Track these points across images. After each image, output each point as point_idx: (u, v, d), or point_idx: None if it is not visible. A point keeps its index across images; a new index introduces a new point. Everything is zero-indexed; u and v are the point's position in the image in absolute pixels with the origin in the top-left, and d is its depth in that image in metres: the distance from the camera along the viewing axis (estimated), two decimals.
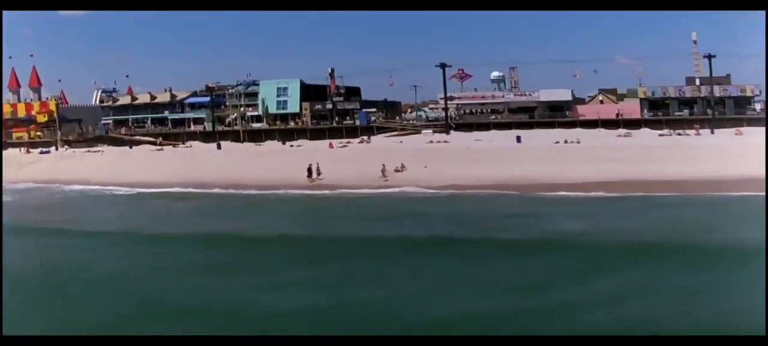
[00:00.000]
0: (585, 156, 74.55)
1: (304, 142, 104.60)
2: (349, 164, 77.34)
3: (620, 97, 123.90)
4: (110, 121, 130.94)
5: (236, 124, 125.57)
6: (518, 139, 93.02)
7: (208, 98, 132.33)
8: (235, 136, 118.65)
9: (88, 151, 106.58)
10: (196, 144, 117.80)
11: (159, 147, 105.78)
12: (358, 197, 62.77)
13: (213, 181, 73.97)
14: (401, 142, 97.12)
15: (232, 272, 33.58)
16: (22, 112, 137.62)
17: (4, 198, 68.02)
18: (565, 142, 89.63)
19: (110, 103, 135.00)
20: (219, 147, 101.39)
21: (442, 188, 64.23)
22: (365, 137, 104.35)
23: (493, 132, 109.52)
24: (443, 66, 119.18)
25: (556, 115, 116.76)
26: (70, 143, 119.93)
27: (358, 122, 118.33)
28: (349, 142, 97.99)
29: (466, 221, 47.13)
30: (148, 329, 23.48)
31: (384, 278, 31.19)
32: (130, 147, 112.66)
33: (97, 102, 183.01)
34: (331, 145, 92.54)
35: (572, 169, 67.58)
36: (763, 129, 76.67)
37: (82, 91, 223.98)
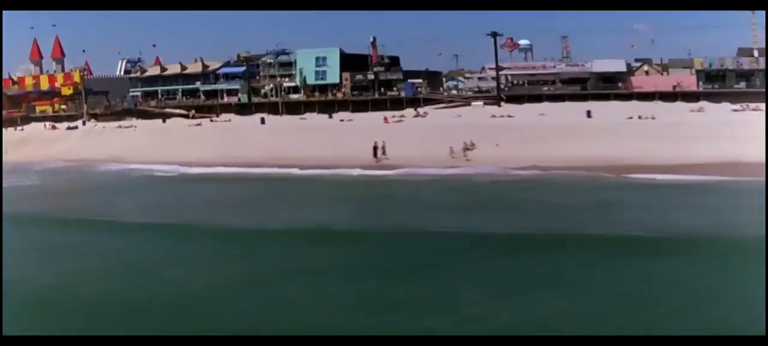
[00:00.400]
0: (669, 134, 66.52)
1: (354, 116, 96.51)
2: (411, 142, 69.61)
3: (664, 68, 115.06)
4: (138, 94, 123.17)
5: (272, 96, 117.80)
6: (588, 113, 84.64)
7: (242, 68, 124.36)
8: (273, 109, 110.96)
9: (119, 126, 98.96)
10: (234, 117, 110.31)
11: (197, 122, 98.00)
12: (431, 180, 55.24)
13: (260, 159, 66.60)
14: (459, 116, 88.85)
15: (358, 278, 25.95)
16: (45, 84, 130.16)
17: (29, 180, 60.76)
18: (639, 117, 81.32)
19: (138, 74, 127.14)
20: (263, 122, 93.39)
21: (524, 169, 56.67)
22: (420, 110, 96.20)
23: (547, 104, 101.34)
24: (495, 34, 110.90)
25: (609, 86, 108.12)
26: (96, 117, 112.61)
27: (402, 93, 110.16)
28: (402, 117, 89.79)
29: (566, 210, 39.40)
30: None
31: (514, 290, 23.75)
32: (164, 121, 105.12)
33: (122, 73, 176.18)
34: (386, 120, 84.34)
35: (663, 148, 59.92)
36: None
37: (106, 62, 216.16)
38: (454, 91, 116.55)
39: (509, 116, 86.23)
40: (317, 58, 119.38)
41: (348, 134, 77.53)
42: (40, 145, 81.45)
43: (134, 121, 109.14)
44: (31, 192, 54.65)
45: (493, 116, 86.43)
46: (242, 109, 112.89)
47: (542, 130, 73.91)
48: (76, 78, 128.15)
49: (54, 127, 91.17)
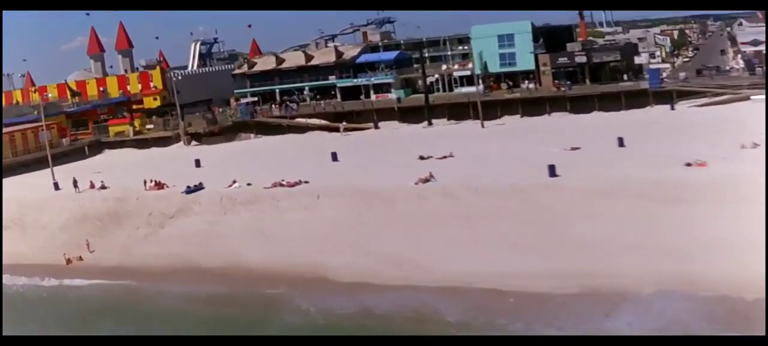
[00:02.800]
0: None
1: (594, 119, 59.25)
2: None
3: None
4: (249, 97, 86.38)
5: (436, 89, 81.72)
6: None
7: (393, 54, 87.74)
8: (458, 111, 74.73)
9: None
10: (401, 127, 74.39)
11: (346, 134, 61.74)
12: None
13: None
14: None
15: None
16: (114, 90, 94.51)
17: None
18: None
19: (244, 69, 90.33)
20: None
21: None
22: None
23: None
24: None
25: None
26: (199, 138, 76.66)
27: (647, 84, 72.79)
28: None
29: None
30: None
31: None
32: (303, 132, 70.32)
33: (195, 59, 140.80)
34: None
35: None
36: None
37: (170, 47, 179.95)
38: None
39: None
40: (500, 37, 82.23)
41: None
42: (140, 229, 45.61)
43: (252, 137, 74.20)
44: None
45: None
46: (407, 114, 76.38)
47: None
48: (157, 80, 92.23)
49: (159, 186, 52.83)
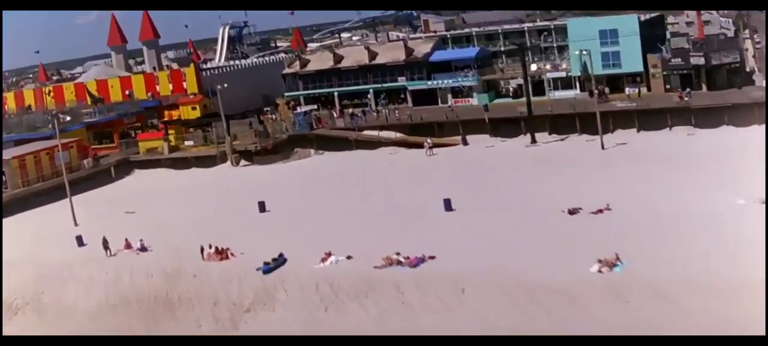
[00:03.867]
0: None
1: None
2: None
3: None
4: (303, 103, 72.46)
5: (519, 94, 68.34)
6: None
7: (473, 52, 73.96)
8: (550, 122, 61.77)
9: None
10: (498, 144, 61.26)
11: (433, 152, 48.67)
12: None
13: None
14: None
15: None
16: (141, 91, 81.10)
17: None
18: None
19: (295, 67, 76.38)
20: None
21: None
22: None
23: None
24: None
25: None
26: (250, 157, 63.44)
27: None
28: None
29: None
30: None
31: None
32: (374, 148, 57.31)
33: (223, 45, 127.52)
34: None
35: None
36: None
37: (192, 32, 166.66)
38: None
39: None
40: (602, 33, 68.59)
41: None
42: (213, 328, 32.51)
43: (312, 154, 61.34)
44: None
45: None
46: (498, 127, 63.05)
47: None
48: (191, 82, 78.76)
49: (221, 255, 38.10)
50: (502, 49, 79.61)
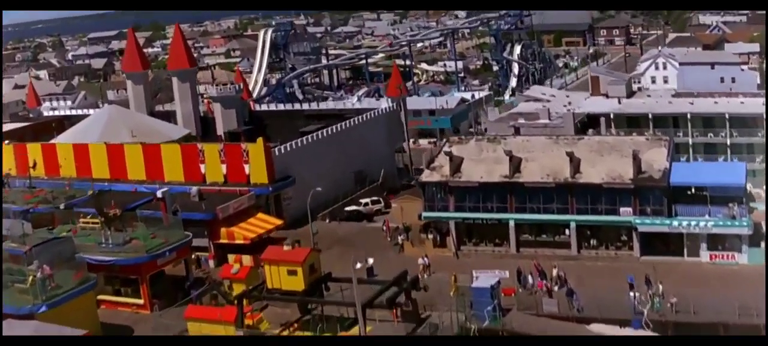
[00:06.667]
0: None
1: None
2: None
3: None
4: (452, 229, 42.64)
5: None
6: None
7: (741, 172, 44.26)
8: None
9: None
10: None
11: None
12: None
13: None
14: None
15: None
16: (173, 170, 51.86)
17: None
18: None
19: (441, 169, 45.13)
20: None
21: None
22: None
23: None
24: None
25: None
26: None
27: None
28: None
29: None
30: None
31: None
32: None
33: (264, 55, 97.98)
34: None
35: None
36: None
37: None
38: None
39: None
40: None
41: None
42: None
43: None
44: None
45: None
46: None
47: None
48: (257, 166, 49.60)
49: None
50: None
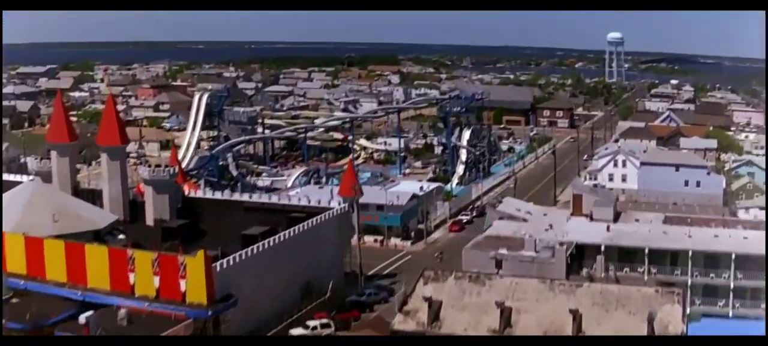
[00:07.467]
0: None
1: None
2: None
3: None
4: None
5: None
6: None
7: None
8: None
9: None
10: None
11: None
12: None
13: None
14: None
15: None
16: (98, 276, 44.85)
17: None
18: None
19: None
20: None
21: None
22: None
23: None
24: None
25: None
26: None
27: None
28: None
29: None
30: None
31: None
32: None
33: (197, 125, 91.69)
34: None
35: None
36: None
37: None
38: None
39: None
40: None
41: None
42: None
43: None
44: None
45: None
46: None
47: None
48: (195, 282, 43.44)
49: None
50: None
